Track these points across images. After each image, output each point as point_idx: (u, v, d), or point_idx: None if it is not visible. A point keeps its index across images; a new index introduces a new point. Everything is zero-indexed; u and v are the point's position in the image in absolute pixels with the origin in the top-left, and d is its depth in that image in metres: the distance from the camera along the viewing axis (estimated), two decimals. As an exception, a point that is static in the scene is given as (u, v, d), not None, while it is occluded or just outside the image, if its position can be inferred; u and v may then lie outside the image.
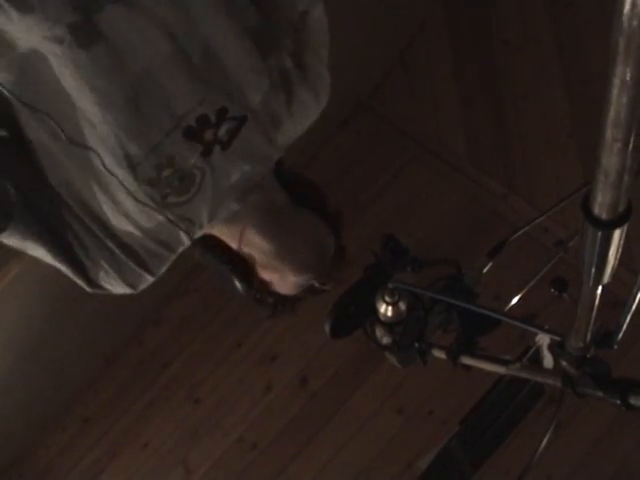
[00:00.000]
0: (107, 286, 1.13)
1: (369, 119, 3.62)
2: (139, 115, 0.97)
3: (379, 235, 1.36)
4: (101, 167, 1.00)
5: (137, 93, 0.96)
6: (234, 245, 1.25)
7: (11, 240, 1.02)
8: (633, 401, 0.80)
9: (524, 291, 1.57)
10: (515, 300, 1.57)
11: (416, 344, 1.27)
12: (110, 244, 1.08)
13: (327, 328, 1.26)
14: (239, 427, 3.20)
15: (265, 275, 1.28)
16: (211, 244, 1.25)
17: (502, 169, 3.30)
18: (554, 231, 2.83)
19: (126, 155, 0.99)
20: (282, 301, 1.36)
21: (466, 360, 1.20)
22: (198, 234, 1.16)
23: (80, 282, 1.11)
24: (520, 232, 1.49)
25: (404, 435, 2.98)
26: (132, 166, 1.00)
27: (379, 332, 1.29)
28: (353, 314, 1.28)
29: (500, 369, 1.14)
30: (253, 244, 1.23)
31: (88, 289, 1.13)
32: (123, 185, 1.01)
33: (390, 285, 1.18)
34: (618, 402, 0.81)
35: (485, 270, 1.43)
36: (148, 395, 3.37)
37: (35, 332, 2.88)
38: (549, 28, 3.48)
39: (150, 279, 1.16)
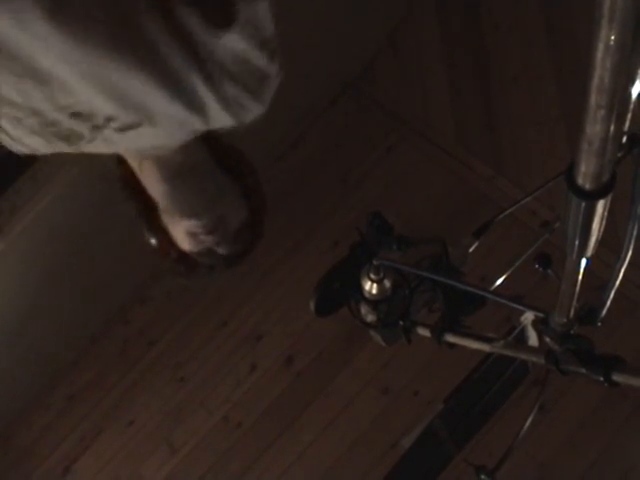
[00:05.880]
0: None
1: (357, 100, 3.60)
2: None
3: (366, 214, 1.36)
4: None
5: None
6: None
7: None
8: (616, 377, 0.80)
9: (509, 271, 1.57)
10: (500, 280, 1.57)
11: (401, 322, 1.27)
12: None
13: (312, 305, 1.26)
14: (224, 406, 3.20)
15: (164, 219, 1.17)
16: (133, 180, 1.12)
17: (490, 151, 3.29)
18: (541, 214, 2.84)
19: None
20: (183, 258, 1.27)
21: (450, 338, 1.20)
22: None
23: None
24: (506, 212, 1.49)
25: (389, 415, 2.99)
26: None
27: (364, 310, 1.29)
28: (338, 291, 1.28)
29: (484, 346, 1.14)
30: (149, 177, 1.09)
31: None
32: None
33: (375, 262, 1.18)
34: (601, 379, 0.81)
35: (471, 250, 1.43)
36: (133, 374, 3.36)
37: (20, 309, 2.87)
38: (539, 11, 3.46)
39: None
